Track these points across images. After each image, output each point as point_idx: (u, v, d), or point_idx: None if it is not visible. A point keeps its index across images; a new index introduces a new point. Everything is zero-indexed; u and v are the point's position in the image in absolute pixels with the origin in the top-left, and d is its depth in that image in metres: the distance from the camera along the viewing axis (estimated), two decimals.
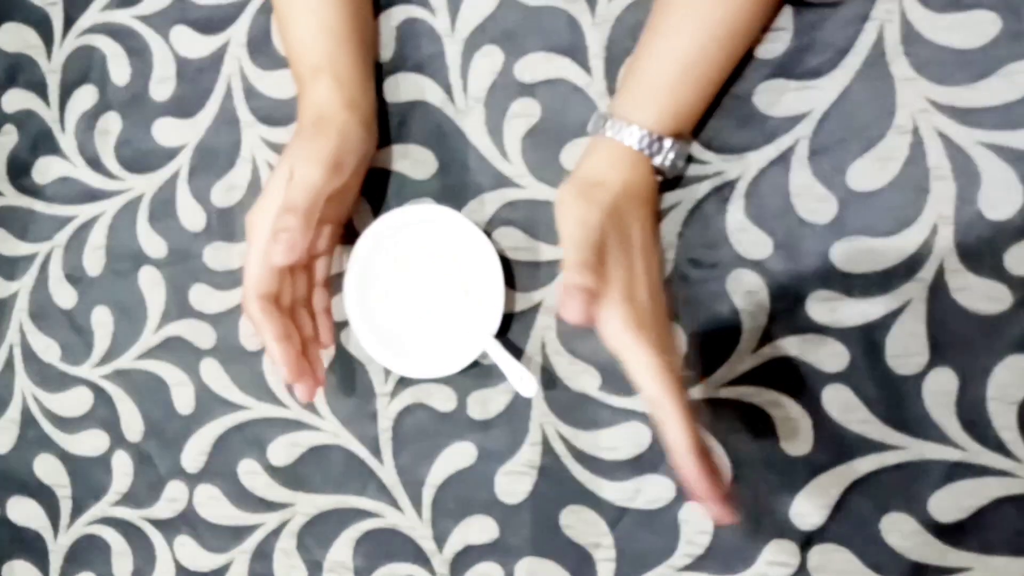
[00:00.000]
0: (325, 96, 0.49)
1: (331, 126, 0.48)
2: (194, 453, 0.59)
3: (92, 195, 0.62)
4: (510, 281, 0.52)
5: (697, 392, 0.49)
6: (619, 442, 0.51)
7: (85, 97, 0.62)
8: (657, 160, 0.46)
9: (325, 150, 0.47)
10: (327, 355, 0.56)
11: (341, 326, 0.55)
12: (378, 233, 0.52)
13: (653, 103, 0.45)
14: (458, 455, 0.54)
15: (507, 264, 0.52)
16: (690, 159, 0.49)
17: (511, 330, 0.53)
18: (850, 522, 0.47)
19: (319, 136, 0.48)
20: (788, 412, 0.48)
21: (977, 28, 0.46)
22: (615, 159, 0.46)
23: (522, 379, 0.50)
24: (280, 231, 0.45)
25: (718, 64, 0.46)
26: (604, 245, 0.43)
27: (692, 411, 0.40)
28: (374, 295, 0.52)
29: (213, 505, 0.58)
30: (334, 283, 0.54)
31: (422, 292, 0.52)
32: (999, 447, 0.45)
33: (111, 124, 0.61)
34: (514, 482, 0.53)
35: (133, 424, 0.60)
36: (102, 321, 0.61)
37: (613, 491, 0.51)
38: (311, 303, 0.52)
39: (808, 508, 0.48)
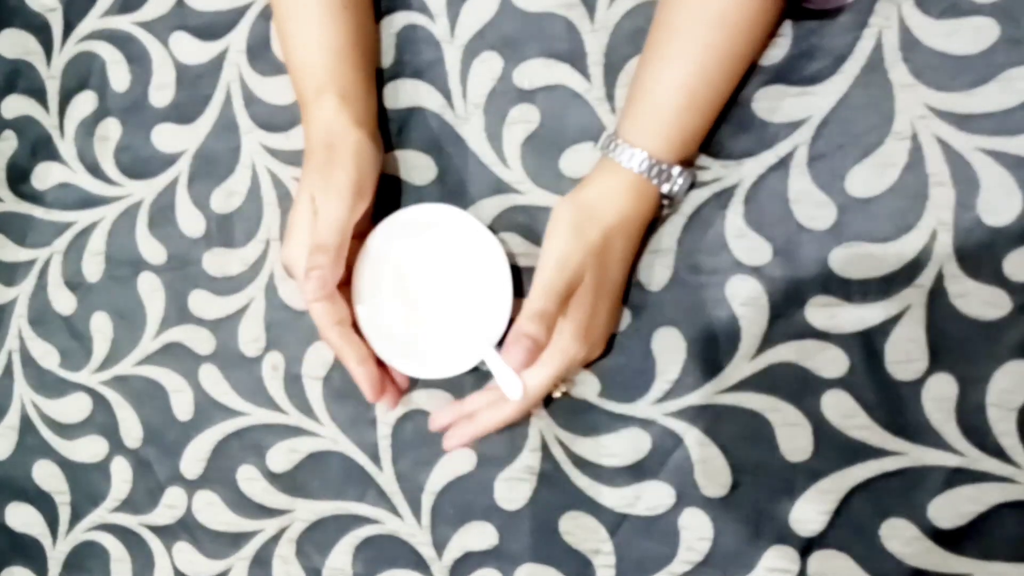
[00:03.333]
0: (332, 116, 0.49)
1: (345, 151, 0.48)
2: (193, 459, 0.59)
3: (91, 201, 0.62)
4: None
5: (696, 398, 0.49)
6: (619, 448, 0.51)
7: (85, 103, 0.62)
8: (666, 188, 0.46)
9: (345, 180, 0.48)
10: (326, 363, 0.56)
11: None
12: (388, 231, 0.52)
13: (662, 130, 0.45)
14: (457, 461, 0.54)
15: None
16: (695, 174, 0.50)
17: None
18: (850, 528, 0.47)
19: (335, 165, 0.48)
20: (787, 418, 0.48)
21: (975, 34, 0.46)
22: (622, 186, 0.46)
23: (512, 385, 0.50)
24: (312, 270, 0.46)
25: (721, 87, 0.46)
26: (576, 285, 0.45)
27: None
28: (382, 292, 0.52)
29: (212, 511, 0.58)
30: None
31: (429, 292, 0.52)
32: (999, 453, 0.45)
33: (110, 130, 0.61)
34: (513, 488, 0.53)
35: (132, 430, 0.60)
36: (101, 327, 0.61)
37: (613, 497, 0.51)
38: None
39: (808, 514, 0.47)
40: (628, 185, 0.46)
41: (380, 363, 0.51)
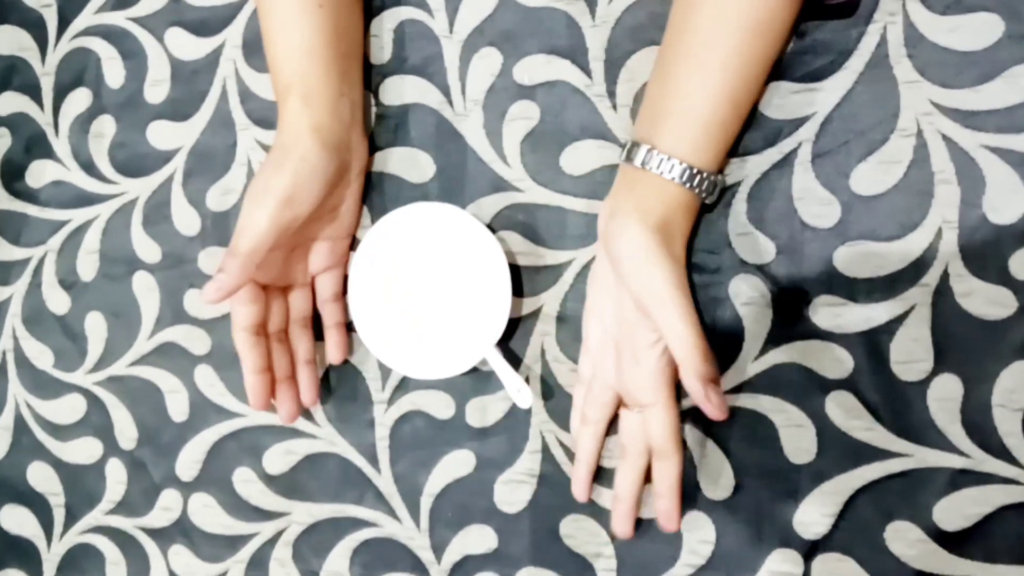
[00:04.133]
0: (292, 119, 0.49)
1: (289, 157, 0.48)
2: (188, 461, 0.58)
3: (86, 199, 0.61)
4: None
5: None
6: None
7: (79, 100, 0.62)
8: (710, 200, 0.46)
9: (275, 187, 0.47)
10: (322, 364, 0.55)
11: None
12: (386, 230, 0.51)
13: (710, 144, 0.45)
14: (456, 463, 0.53)
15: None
16: None
17: (511, 335, 0.52)
18: (854, 530, 0.47)
19: (272, 170, 0.48)
20: (791, 419, 0.47)
21: (980, 30, 0.45)
22: (676, 201, 0.45)
23: (519, 390, 0.50)
24: (217, 271, 0.47)
25: (757, 93, 0.46)
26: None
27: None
28: (379, 291, 0.52)
29: (208, 514, 0.58)
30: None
31: (427, 292, 0.52)
32: (1004, 454, 0.45)
33: (105, 127, 0.61)
34: (513, 491, 0.52)
35: (127, 431, 0.60)
36: (95, 327, 0.60)
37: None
38: (309, 320, 0.53)
39: (812, 516, 0.47)
40: (681, 199, 0.45)
41: (293, 376, 0.52)
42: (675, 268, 0.44)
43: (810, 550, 0.47)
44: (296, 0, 0.49)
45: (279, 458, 0.56)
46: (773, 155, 0.48)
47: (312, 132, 0.49)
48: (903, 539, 0.46)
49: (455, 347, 0.51)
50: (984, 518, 0.45)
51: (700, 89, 0.44)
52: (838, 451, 0.47)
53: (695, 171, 0.44)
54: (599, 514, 0.50)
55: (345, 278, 0.54)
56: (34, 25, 0.63)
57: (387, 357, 0.52)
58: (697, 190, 0.45)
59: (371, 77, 0.55)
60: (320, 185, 0.49)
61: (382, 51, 0.55)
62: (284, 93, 0.50)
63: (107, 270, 0.60)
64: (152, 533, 0.59)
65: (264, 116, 0.57)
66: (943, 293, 0.45)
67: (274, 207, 0.47)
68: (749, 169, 0.48)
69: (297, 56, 0.50)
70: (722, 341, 0.48)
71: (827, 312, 0.47)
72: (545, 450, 0.51)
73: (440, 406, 0.53)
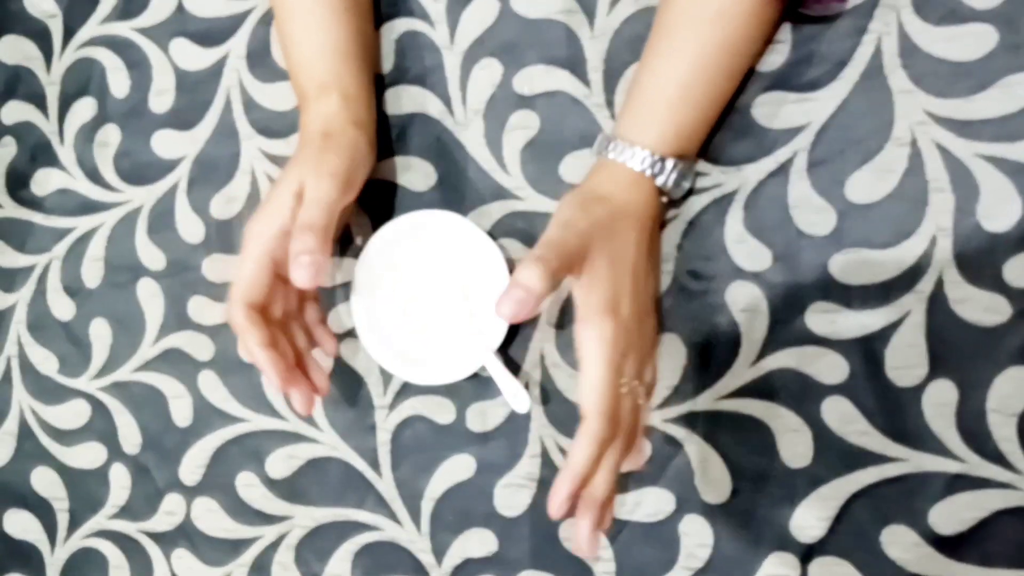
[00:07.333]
0: (333, 112, 0.49)
1: (341, 142, 0.48)
2: (192, 466, 0.59)
3: (91, 207, 0.62)
4: None
5: (696, 404, 0.49)
6: None
7: (84, 109, 0.62)
8: (660, 180, 0.46)
9: (338, 166, 0.47)
10: (326, 365, 0.56)
11: (341, 337, 0.55)
12: (388, 237, 0.52)
13: (654, 124, 0.45)
14: (457, 468, 0.53)
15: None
16: (696, 177, 0.49)
17: (511, 341, 0.52)
18: (850, 535, 0.47)
19: (329, 152, 0.47)
20: (788, 424, 0.48)
21: (975, 40, 0.46)
22: (618, 179, 0.46)
23: (516, 395, 0.50)
24: (301, 253, 0.44)
25: (718, 84, 0.46)
26: (585, 256, 0.42)
27: (607, 444, 0.40)
28: (381, 298, 0.52)
29: (211, 518, 0.58)
30: (342, 289, 0.55)
31: (428, 298, 0.52)
32: (999, 459, 0.45)
33: (110, 136, 0.61)
34: (513, 495, 0.52)
35: (131, 437, 0.60)
36: (100, 333, 0.61)
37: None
38: (303, 317, 0.51)
39: (808, 520, 0.47)
40: (624, 177, 0.46)
41: (300, 366, 0.48)
42: (574, 213, 0.43)
43: (807, 554, 0.47)
44: (326, 3, 0.50)
45: (281, 462, 0.57)
46: (769, 164, 0.49)
47: (355, 126, 0.49)
48: (899, 543, 0.46)
49: (456, 353, 0.51)
50: (980, 522, 0.45)
51: (651, 74, 0.46)
52: (834, 455, 0.47)
53: (641, 152, 0.45)
54: None
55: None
56: (39, 35, 0.64)
57: (389, 362, 0.52)
58: (648, 172, 0.45)
59: None
60: (365, 175, 0.50)
61: (385, 61, 0.56)
62: (319, 91, 0.50)
63: (112, 277, 0.61)
64: (155, 537, 0.59)
65: (267, 126, 0.58)
66: (938, 300, 0.46)
67: (340, 184, 0.46)
68: (745, 178, 0.49)
69: (331, 57, 0.50)
70: (719, 347, 0.49)
71: (823, 318, 0.47)
72: (544, 454, 0.52)
73: (441, 411, 0.54)
